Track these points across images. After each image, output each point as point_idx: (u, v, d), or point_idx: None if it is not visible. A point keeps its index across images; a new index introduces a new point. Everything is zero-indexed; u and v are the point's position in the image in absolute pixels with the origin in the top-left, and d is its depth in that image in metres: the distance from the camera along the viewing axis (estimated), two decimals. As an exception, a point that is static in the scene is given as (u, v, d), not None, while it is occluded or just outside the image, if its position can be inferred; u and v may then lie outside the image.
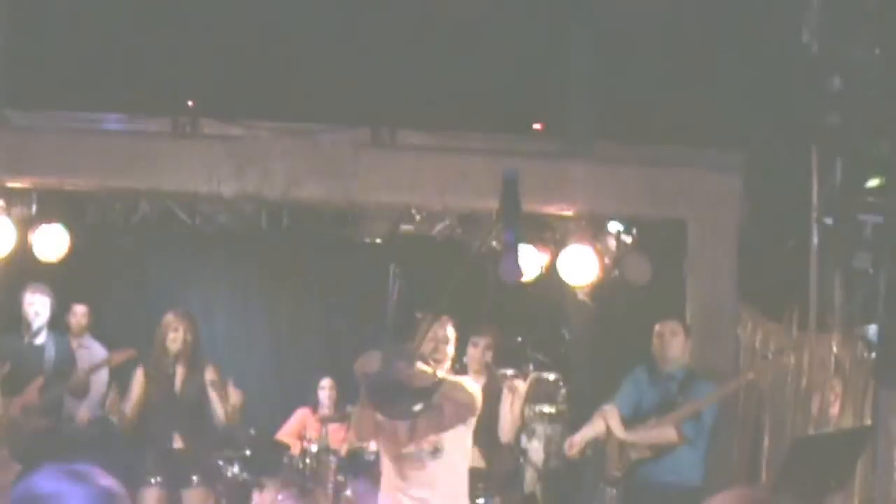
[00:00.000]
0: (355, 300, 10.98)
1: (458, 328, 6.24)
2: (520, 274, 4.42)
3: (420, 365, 5.75)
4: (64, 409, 8.19)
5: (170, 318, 7.67)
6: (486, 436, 7.38)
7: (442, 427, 5.86)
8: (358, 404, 6.15)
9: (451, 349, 6.04)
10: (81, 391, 8.00)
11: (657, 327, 7.20)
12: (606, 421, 7.06)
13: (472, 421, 6.10)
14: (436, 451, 5.94)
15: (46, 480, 2.15)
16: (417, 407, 5.78)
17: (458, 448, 6.03)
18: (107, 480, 2.18)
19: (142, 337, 8.10)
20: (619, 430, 7.01)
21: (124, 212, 9.29)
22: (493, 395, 7.55)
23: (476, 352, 7.80)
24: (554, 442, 9.40)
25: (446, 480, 5.98)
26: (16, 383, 7.67)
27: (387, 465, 6.06)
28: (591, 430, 7.16)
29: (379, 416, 5.87)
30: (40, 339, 7.98)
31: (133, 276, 10.64)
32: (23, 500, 2.12)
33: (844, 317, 6.91)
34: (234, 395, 7.76)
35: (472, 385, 6.08)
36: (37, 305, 7.94)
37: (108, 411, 7.72)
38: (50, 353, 7.94)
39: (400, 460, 5.98)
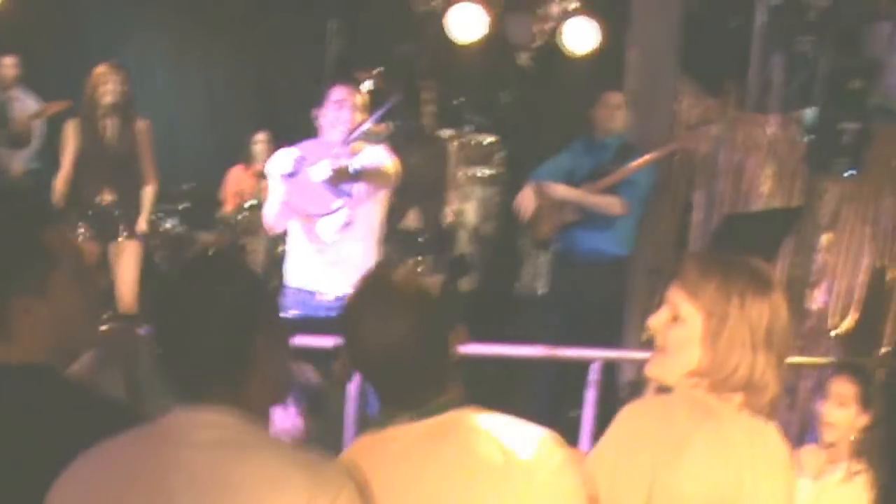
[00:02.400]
0: (294, 55, 10.87)
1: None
2: None
3: (338, 160, 5.76)
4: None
5: (102, 69, 7.54)
6: (426, 196, 7.44)
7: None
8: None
9: (357, 117, 5.98)
10: (23, 141, 7.89)
11: (603, 97, 7.13)
12: (548, 190, 7.02)
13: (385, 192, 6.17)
14: (347, 225, 6.01)
15: None
16: (338, 204, 5.83)
17: (370, 216, 6.10)
18: None
19: (76, 90, 7.95)
20: (563, 192, 6.97)
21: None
22: (436, 155, 7.54)
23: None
24: (489, 204, 9.52)
25: (357, 248, 6.08)
26: None
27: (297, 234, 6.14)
28: (530, 192, 7.12)
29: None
30: None
31: (66, 27, 10.38)
32: None
33: (782, 99, 6.96)
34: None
35: (389, 161, 6.09)
36: None
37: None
38: None
39: (313, 230, 6.07)
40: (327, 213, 5.90)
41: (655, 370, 2.63)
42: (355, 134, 5.91)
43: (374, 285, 2.50)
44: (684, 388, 2.57)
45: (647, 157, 6.85)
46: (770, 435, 2.60)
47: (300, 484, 2.14)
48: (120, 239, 7.57)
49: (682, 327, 2.54)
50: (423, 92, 7.71)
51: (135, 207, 7.66)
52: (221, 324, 2.23)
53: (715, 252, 4.43)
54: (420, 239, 7.54)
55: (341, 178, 5.74)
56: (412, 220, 7.29)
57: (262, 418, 2.33)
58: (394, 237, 7.07)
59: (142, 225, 7.67)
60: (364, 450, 2.43)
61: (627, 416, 2.54)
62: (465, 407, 2.43)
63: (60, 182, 7.50)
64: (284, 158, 5.86)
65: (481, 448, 2.35)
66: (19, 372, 2.40)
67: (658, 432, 2.49)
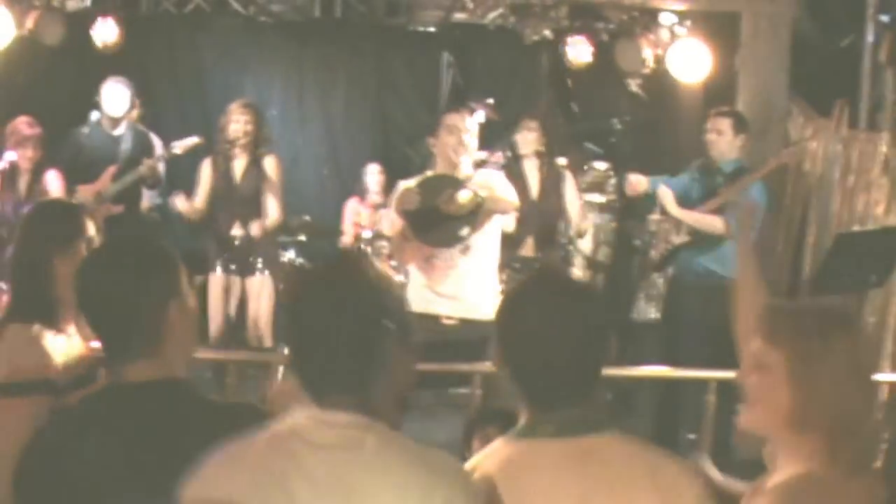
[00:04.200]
0: (408, 88, 11.06)
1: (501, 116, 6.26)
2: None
3: (459, 192, 5.89)
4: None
5: (233, 107, 7.80)
6: (542, 225, 7.52)
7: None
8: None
9: (468, 141, 6.11)
10: (155, 180, 8.16)
11: (708, 121, 7.17)
12: (660, 196, 7.09)
13: (505, 216, 6.29)
14: (465, 249, 6.13)
15: None
16: (464, 231, 5.96)
17: (487, 243, 6.21)
18: None
19: (196, 129, 8.22)
20: (670, 205, 7.04)
21: (177, 2, 9.31)
22: (551, 184, 7.63)
23: (524, 136, 7.75)
24: (603, 231, 9.55)
25: (475, 276, 6.18)
26: (92, 172, 7.83)
27: (418, 266, 6.27)
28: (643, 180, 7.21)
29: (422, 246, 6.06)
30: (119, 130, 8.15)
31: (186, 68, 10.73)
32: None
33: (895, 116, 6.91)
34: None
35: (509, 191, 6.21)
36: (115, 96, 8.09)
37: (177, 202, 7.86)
38: (127, 143, 8.12)
39: (430, 260, 6.19)
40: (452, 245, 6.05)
41: (749, 422, 2.54)
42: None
43: (543, 280, 2.51)
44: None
45: (751, 176, 6.85)
46: None
47: (428, 482, 2.17)
48: (256, 273, 7.81)
49: (766, 374, 2.48)
50: (536, 120, 7.79)
51: (262, 240, 7.87)
52: (350, 326, 2.24)
53: (790, 299, 4.40)
54: (537, 265, 7.61)
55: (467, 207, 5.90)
56: (528, 248, 7.39)
57: (386, 419, 2.31)
58: (511, 264, 7.19)
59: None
60: (503, 459, 2.41)
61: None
62: (607, 428, 2.42)
63: (195, 215, 7.75)
64: (407, 194, 6.02)
65: (622, 480, 2.34)
66: (168, 388, 2.53)
67: None
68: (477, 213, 6.02)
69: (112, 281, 2.55)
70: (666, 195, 7.03)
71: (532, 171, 7.62)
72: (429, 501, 2.16)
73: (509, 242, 6.84)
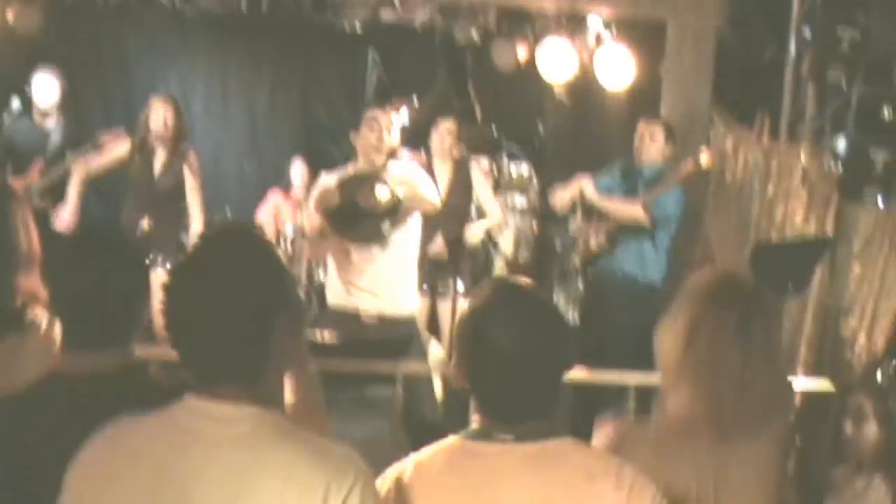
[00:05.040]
0: (334, 86, 11.02)
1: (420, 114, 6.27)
2: None
3: (378, 189, 5.88)
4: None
5: (154, 100, 7.70)
6: (453, 225, 7.50)
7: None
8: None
9: (388, 137, 6.11)
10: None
11: (640, 126, 7.23)
12: (581, 186, 7.15)
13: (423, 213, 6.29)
14: (384, 244, 6.13)
15: None
16: (385, 227, 5.96)
17: (405, 238, 6.22)
18: None
19: (119, 121, 8.12)
20: (591, 194, 7.09)
21: (105, -8, 9.19)
22: (462, 182, 7.59)
23: (437, 136, 7.71)
24: (524, 233, 9.60)
25: (394, 270, 6.18)
26: (21, 163, 7.71)
27: (336, 260, 6.26)
28: (568, 191, 7.26)
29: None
30: (49, 123, 8.01)
31: (110, 59, 10.58)
32: None
33: (815, 129, 7.02)
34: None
35: (430, 189, 6.22)
36: (46, 87, 7.96)
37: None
38: (56, 136, 7.98)
39: (347, 255, 6.19)
40: (374, 242, 6.04)
41: None
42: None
43: (507, 291, 2.45)
44: None
45: (670, 179, 6.94)
46: None
47: (315, 475, 2.11)
48: (159, 269, 7.47)
49: None
50: (451, 121, 7.74)
51: (173, 238, 7.72)
52: (239, 309, 2.12)
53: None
54: (448, 265, 7.61)
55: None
56: (438, 245, 7.36)
57: (278, 407, 2.25)
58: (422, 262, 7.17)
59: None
60: (449, 453, 2.41)
61: None
62: (564, 436, 2.41)
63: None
64: (326, 194, 6.00)
65: (582, 480, 2.34)
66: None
67: None
68: (396, 210, 6.01)
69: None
70: (587, 186, 7.11)
71: (442, 171, 7.55)
72: (324, 493, 2.11)
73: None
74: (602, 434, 2.75)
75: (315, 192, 6.22)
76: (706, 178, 7.68)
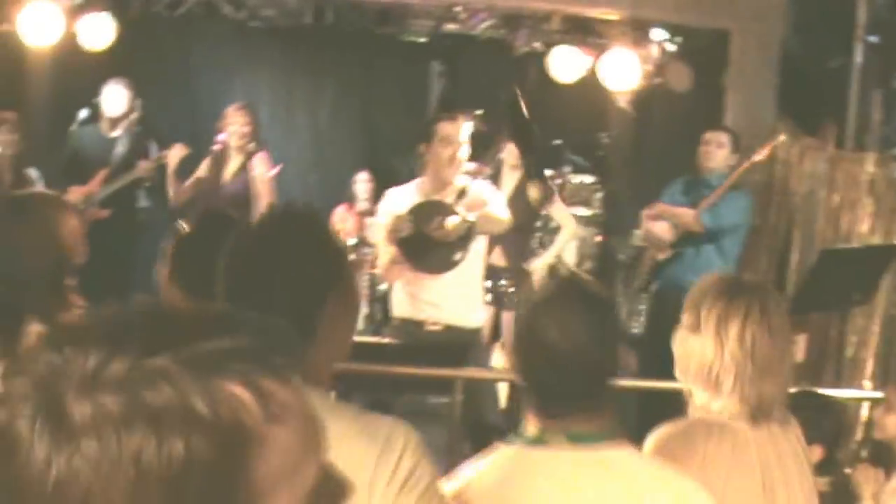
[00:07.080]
0: (397, 98, 11.05)
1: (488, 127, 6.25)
2: None
3: (450, 219, 5.88)
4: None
5: (230, 111, 7.84)
6: (517, 236, 7.49)
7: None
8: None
9: (462, 152, 6.09)
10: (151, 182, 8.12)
11: (705, 136, 7.20)
12: (691, 218, 7.10)
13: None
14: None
15: None
16: (457, 257, 5.96)
17: (474, 256, 6.21)
18: None
19: (184, 132, 8.22)
20: (699, 228, 7.05)
21: (169, 4, 9.28)
22: (524, 194, 7.58)
23: (508, 148, 7.66)
24: (587, 245, 9.56)
25: (460, 285, 6.17)
26: (85, 172, 7.81)
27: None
28: (670, 217, 7.21)
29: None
30: (116, 132, 8.13)
31: (176, 71, 10.70)
32: None
33: (881, 137, 6.95)
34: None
35: (501, 208, 6.20)
36: (115, 98, 8.09)
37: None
38: (122, 146, 8.10)
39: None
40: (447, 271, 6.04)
41: None
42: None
43: (563, 287, 2.45)
44: None
45: (728, 180, 6.90)
46: None
47: (363, 448, 2.07)
48: None
49: None
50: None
51: None
52: (290, 283, 2.10)
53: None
54: (505, 278, 7.61)
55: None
56: (497, 257, 7.36)
57: (324, 382, 2.20)
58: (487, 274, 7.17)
59: None
60: (511, 461, 2.39)
61: None
62: (620, 441, 2.40)
63: (176, 196, 7.70)
64: (398, 221, 5.99)
65: (637, 492, 2.32)
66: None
67: None
68: (468, 237, 6.01)
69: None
70: (696, 221, 7.04)
71: (510, 182, 7.56)
72: (374, 465, 2.07)
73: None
74: (656, 441, 2.72)
75: (385, 219, 6.19)
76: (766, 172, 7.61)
